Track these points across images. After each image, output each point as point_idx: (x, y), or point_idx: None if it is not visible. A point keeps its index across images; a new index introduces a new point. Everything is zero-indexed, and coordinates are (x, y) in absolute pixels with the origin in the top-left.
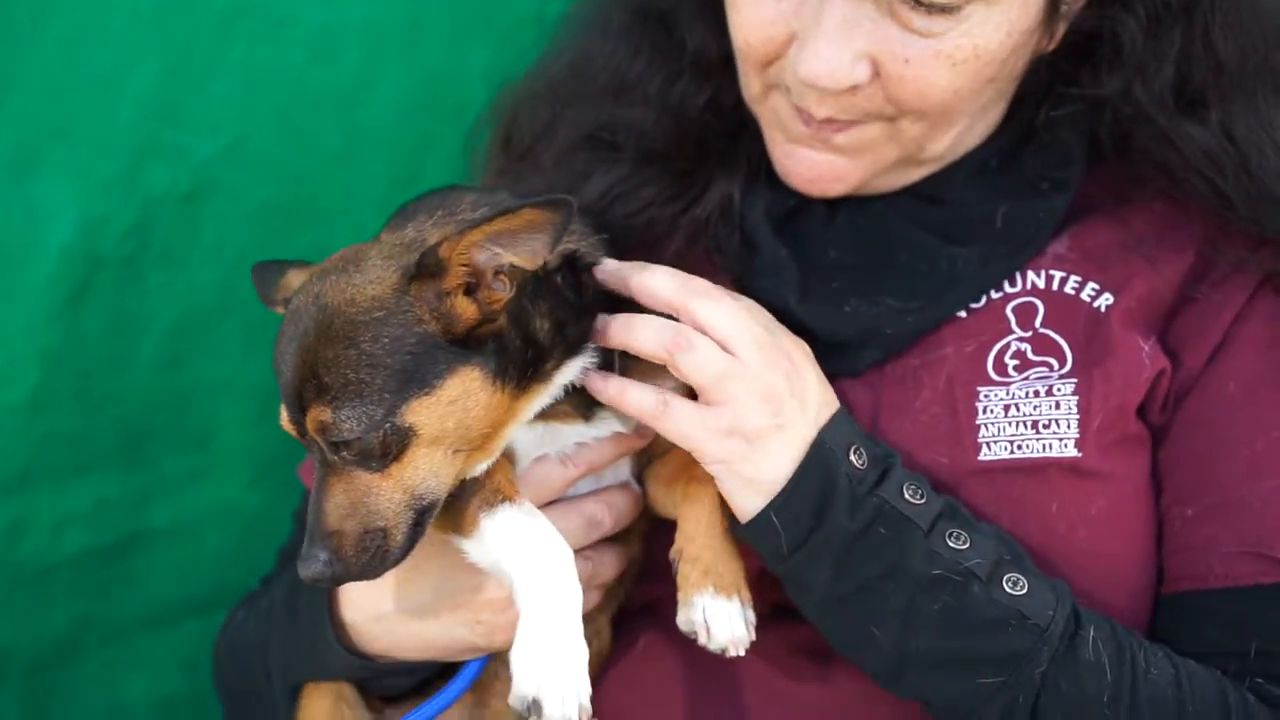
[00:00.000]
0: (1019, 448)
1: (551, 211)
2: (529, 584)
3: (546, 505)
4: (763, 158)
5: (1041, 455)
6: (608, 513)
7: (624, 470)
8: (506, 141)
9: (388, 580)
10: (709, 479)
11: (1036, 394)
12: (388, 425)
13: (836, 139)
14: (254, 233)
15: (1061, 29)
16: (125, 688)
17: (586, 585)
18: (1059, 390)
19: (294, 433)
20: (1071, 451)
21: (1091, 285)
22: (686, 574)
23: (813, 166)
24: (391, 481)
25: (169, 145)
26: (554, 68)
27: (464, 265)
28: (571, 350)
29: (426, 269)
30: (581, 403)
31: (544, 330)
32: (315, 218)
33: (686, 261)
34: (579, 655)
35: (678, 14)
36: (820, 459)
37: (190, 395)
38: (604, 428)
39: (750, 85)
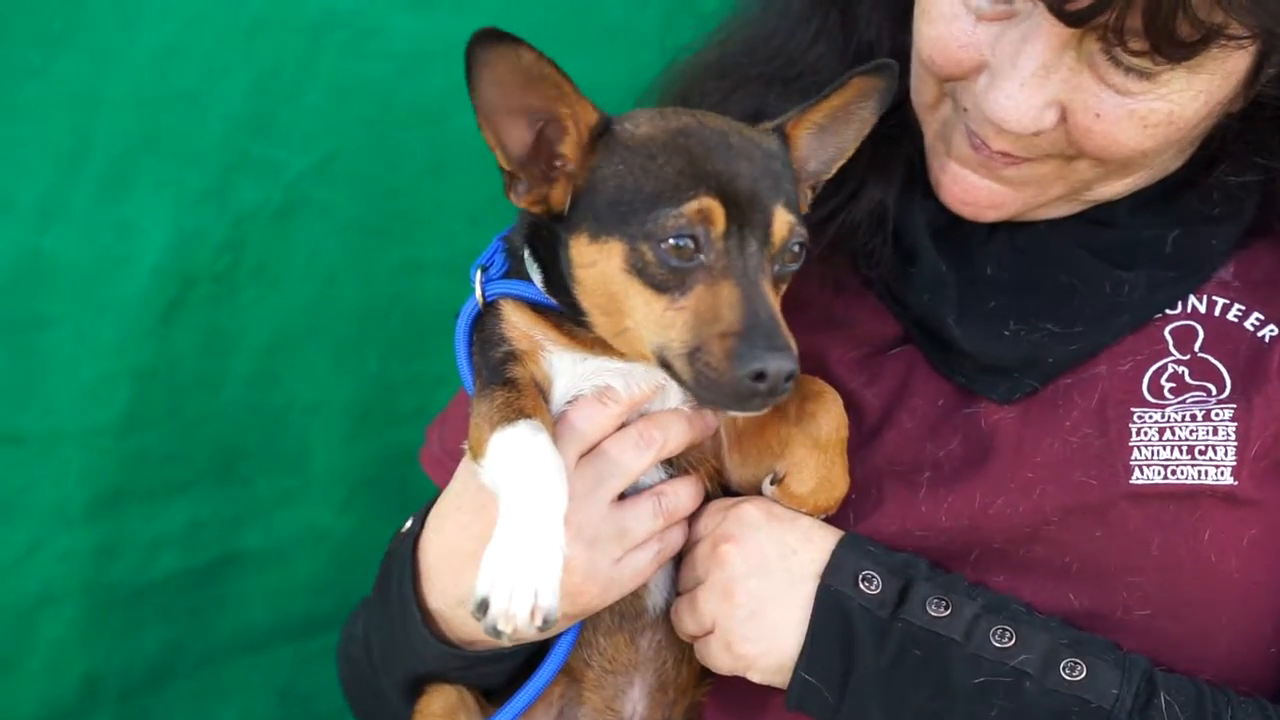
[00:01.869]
0: (1173, 473)
1: (876, 77)
2: (510, 489)
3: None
4: (922, 165)
5: (1197, 482)
6: (656, 429)
7: (672, 398)
8: None
9: (462, 563)
10: (824, 392)
11: (1193, 418)
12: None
13: (1006, 171)
14: (345, 248)
15: (1253, 93)
16: (218, 715)
17: (667, 519)
18: (1217, 416)
19: (721, 228)
20: (1228, 480)
21: (1256, 316)
22: (790, 491)
23: (970, 189)
24: (775, 297)
25: (260, 160)
26: (731, 42)
27: (798, 153)
28: None
29: (781, 138)
30: None
31: None
32: (406, 232)
33: (829, 268)
34: (547, 563)
35: (861, 1)
36: (828, 604)
37: (283, 415)
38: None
39: (923, 92)
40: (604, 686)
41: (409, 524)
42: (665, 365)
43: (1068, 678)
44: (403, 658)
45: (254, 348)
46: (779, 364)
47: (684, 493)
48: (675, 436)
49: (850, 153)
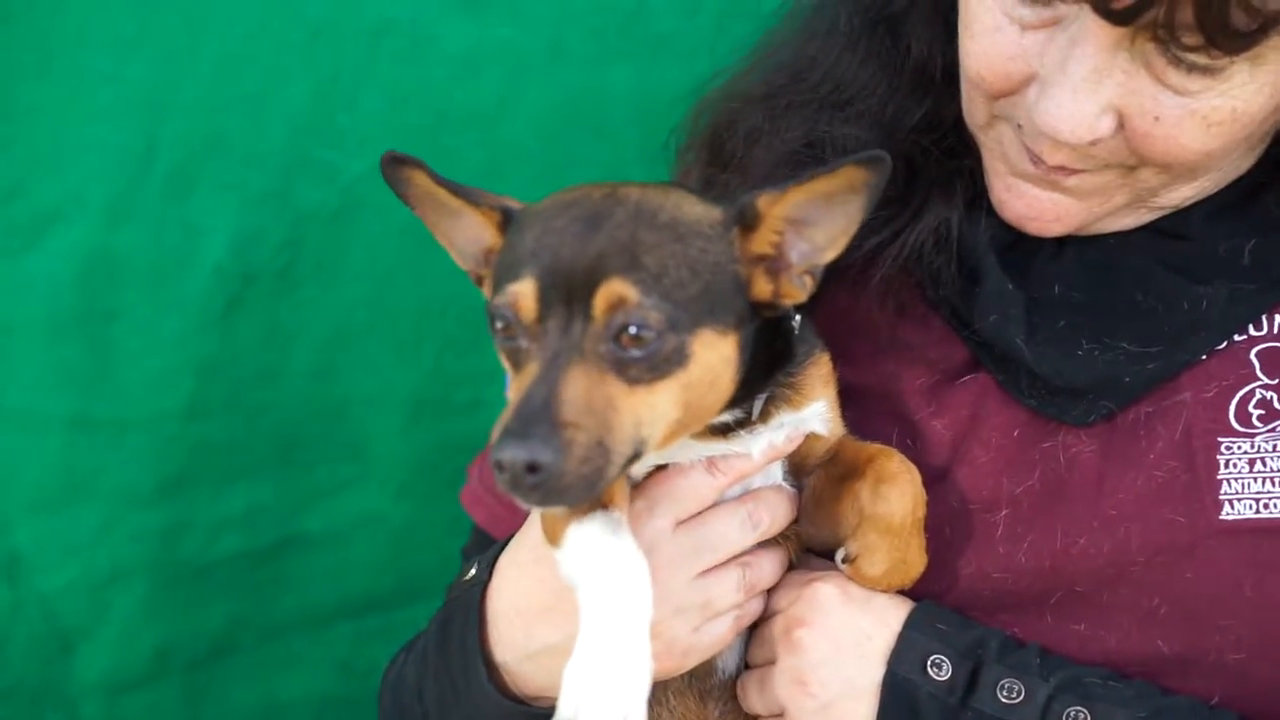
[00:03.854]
0: (1265, 506)
1: (869, 170)
2: (592, 595)
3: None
4: (983, 182)
5: None
6: (764, 510)
7: (775, 473)
8: (716, 147)
9: (535, 616)
10: (900, 474)
11: None
12: (681, 338)
13: (1067, 182)
14: (400, 249)
15: None
16: (280, 686)
17: (749, 592)
18: None
19: (532, 312)
20: None
21: None
22: (862, 573)
23: (1033, 204)
24: (634, 402)
25: (319, 162)
26: (771, 67)
27: (776, 234)
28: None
29: (745, 220)
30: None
31: (774, 350)
32: None
33: (892, 290)
34: (633, 677)
35: (907, 18)
36: (896, 693)
37: (342, 406)
38: (740, 445)
39: (975, 113)
40: None
41: (473, 571)
42: None
43: None
44: (463, 709)
45: (313, 342)
46: (512, 454)
47: (769, 565)
48: (780, 518)
49: (841, 248)
